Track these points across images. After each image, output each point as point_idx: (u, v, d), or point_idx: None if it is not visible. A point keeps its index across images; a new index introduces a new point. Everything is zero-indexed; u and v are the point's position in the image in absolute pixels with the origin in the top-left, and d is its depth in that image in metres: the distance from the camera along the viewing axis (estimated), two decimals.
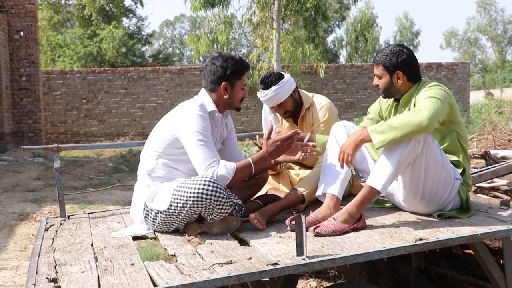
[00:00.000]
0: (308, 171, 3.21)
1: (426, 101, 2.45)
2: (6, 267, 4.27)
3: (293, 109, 3.22)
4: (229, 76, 2.65)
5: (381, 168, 2.40)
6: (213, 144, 2.56)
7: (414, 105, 2.63)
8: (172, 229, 2.53)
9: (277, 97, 3.11)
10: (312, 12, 13.99)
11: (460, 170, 2.61)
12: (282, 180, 3.30)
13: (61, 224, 2.98)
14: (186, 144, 2.53)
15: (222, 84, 2.65)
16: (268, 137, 2.65)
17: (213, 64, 2.67)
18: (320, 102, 3.23)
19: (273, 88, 3.09)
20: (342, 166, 2.51)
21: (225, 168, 2.49)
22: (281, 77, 3.13)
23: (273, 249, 2.17)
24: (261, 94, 3.14)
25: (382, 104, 2.90)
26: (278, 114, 3.33)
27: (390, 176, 2.38)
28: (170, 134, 2.57)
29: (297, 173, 3.31)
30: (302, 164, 3.29)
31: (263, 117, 3.40)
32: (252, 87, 15.27)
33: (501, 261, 2.64)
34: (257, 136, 3.15)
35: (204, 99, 2.67)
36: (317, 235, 2.35)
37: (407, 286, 3.06)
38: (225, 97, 2.67)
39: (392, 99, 2.82)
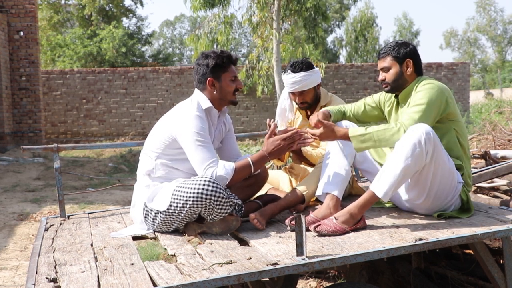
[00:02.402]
0: (308, 170, 3.21)
1: (412, 111, 2.50)
2: (6, 267, 4.27)
3: (311, 102, 3.26)
4: (213, 71, 2.64)
5: (385, 176, 2.38)
6: (211, 144, 2.56)
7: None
8: (172, 229, 2.53)
9: (302, 83, 3.14)
10: (312, 12, 13.97)
11: (461, 173, 2.60)
12: (282, 180, 3.30)
13: (61, 224, 2.98)
14: (184, 145, 2.53)
15: (208, 81, 2.65)
16: (270, 136, 2.64)
17: (197, 64, 2.69)
18: (337, 104, 3.26)
19: (303, 73, 3.13)
20: (311, 132, 2.60)
21: (224, 169, 2.49)
22: (311, 66, 3.19)
23: (273, 249, 2.17)
24: (288, 76, 3.16)
25: (386, 98, 2.89)
26: (294, 103, 3.34)
27: (394, 184, 2.36)
28: (168, 135, 2.57)
29: (297, 173, 3.31)
30: (306, 161, 3.29)
31: (279, 103, 3.43)
32: (252, 87, 15.28)
33: (501, 261, 2.64)
34: (268, 120, 3.15)
35: (199, 98, 2.67)
36: (318, 233, 2.35)
37: (407, 286, 3.06)
38: (214, 93, 2.66)
39: (393, 96, 2.81)
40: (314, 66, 3.22)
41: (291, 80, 3.15)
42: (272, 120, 2.86)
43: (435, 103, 2.50)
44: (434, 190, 2.48)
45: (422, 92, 2.55)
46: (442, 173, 2.45)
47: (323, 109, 2.86)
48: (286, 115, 3.39)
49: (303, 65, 3.16)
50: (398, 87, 2.71)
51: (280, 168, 3.47)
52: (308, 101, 3.24)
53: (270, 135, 2.65)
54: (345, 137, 2.54)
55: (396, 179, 2.35)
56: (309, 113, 3.36)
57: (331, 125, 2.55)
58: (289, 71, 3.17)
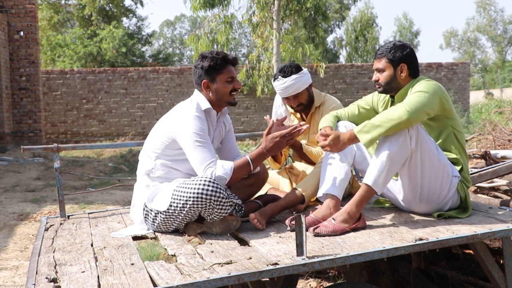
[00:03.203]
0: (308, 170, 3.21)
1: (411, 96, 2.50)
2: (6, 267, 4.27)
3: (307, 103, 3.27)
4: (207, 73, 2.64)
5: (373, 166, 2.43)
6: (210, 144, 2.56)
7: None
8: (172, 229, 2.53)
9: (295, 87, 3.14)
10: (312, 12, 13.98)
11: (458, 168, 2.61)
12: (282, 180, 3.30)
13: (61, 224, 2.98)
14: (183, 145, 2.53)
15: (203, 83, 2.65)
16: (268, 133, 2.64)
17: (194, 66, 2.69)
18: (331, 103, 3.28)
19: (294, 76, 3.13)
20: (320, 145, 2.56)
21: (223, 168, 2.49)
22: (300, 68, 3.19)
23: (273, 249, 2.17)
24: (279, 82, 3.16)
25: (379, 98, 2.89)
26: (289, 108, 3.34)
27: (382, 172, 2.39)
28: (168, 136, 2.58)
29: (297, 173, 3.31)
30: (306, 158, 3.29)
31: (274, 110, 3.43)
32: (252, 87, 15.28)
33: (501, 261, 2.64)
34: (266, 116, 3.16)
35: (198, 98, 2.67)
36: (317, 235, 2.36)
37: (407, 286, 3.06)
38: (210, 95, 2.66)
39: (388, 96, 2.82)
40: (302, 67, 3.23)
41: (283, 86, 3.15)
42: (269, 116, 2.85)
43: (434, 95, 2.51)
44: (426, 182, 2.49)
45: (423, 84, 2.57)
46: (430, 161, 2.46)
47: (323, 127, 2.76)
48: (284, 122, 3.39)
49: (293, 68, 3.15)
50: (391, 90, 2.73)
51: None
52: (303, 103, 3.24)
53: (269, 132, 2.64)
54: (352, 138, 2.49)
55: (384, 165, 2.38)
56: (303, 116, 3.36)
57: (335, 133, 2.53)
58: (279, 77, 3.17)
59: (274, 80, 3.22)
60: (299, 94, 3.19)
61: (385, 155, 2.39)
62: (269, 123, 2.71)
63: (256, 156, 2.59)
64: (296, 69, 3.16)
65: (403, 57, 2.66)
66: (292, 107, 3.29)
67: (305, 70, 3.21)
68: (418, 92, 2.50)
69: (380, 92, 2.78)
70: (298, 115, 3.38)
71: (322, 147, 2.55)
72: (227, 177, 2.49)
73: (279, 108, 3.37)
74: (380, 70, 2.71)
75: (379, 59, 2.71)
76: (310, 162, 3.28)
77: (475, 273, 2.93)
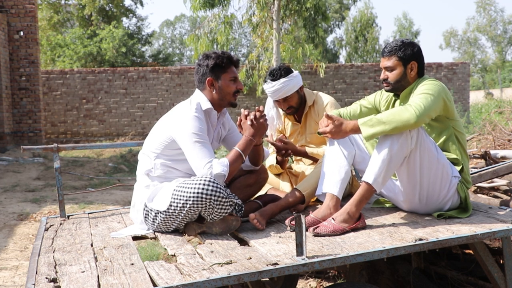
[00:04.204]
0: (308, 171, 3.21)
1: (418, 97, 2.48)
2: (6, 267, 4.27)
3: (297, 106, 3.25)
4: (212, 71, 2.65)
5: (373, 163, 2.42)
6: (209, 144, 2.57)
7: None
8: (172, 229, 2.53)
9: (284, 90, 3.13)
10: (312, 12, 13.97)
11: (458, 168, 2.61)
12: (282, 180, 3.30)
13: (61, 224, 2.98)
14: (182, 145, 2.53)
15: (207, 81, 2.66)
16: (240, 122, 2.69)
17: (198, 64, 2.71)
18: (324, 99, 3.27)
19: (282, 80, 3.11)
20: (320, 131, 2.57)
21: (220, 166, 2.49)
22: (290, 71, 3.17)
23: (273, 249, 2.17)
24: (269, 85, 3.16)
25: (382, 97, 2.89)
26: (280, 110, 3.34)
27: (382, 170, 2.39)
28: (167, 136, 2.58)
29: (297, 173, 3.31)
30: (314, 159, 3.29)
31: (266, 112, 3.41)
32: (252, 87, 15.28)
33: (501, 261, 2.64)
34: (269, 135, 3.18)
35: (198, 98, 2.67)
36: (317, 235, 2.36)
37: (407, 286, 3.06)
38: (213, 93, 2.67)
39: (391, 95, 2.81)
40: (293, 70, 3.20)
41: (272, 89, 3.14)
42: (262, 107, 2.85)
43: (438, 96, 2.51)
44: (425, 181, 2.49)
45: (427, 85, 2.55)
46: (429, 161, 2.46)
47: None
48: (275, 124, 3.38)
49: (282, 72, 3.13)
50: (399, 88, 2.71)
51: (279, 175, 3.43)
52: (294, 106, 3.23)
53: (241, 121, 2.69)
54: (355, 129, 2.47)
55: (384, 163, 2.38)
56: (296, 117, 3.35)
57: (339, 120, 2.52)
58: (268, 80, 3.17)
59: (264, 83, 3.22)
60: (289, 97, 3.18)
61: (386, 154, 2.38)
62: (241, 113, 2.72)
63: (244, 146, 2.61)
64: (286, 72, 3.14)
65: (414, 55, 2.64)
66: (283, 110, 3.29)
67: (295, 73, 3.17)
68: (425, 94, 2.48)
69: (388, 91, 2.76)
70: (292, 116, 3.37)
71: (323, 133, 2.55)
72: (225, 173, 2.49)
73: (271, 110, 3.36)
74: (390, 69, 2.68)
75: (388, 57, 2.68)
76: (316, 159, 3.28)
77: (475, 273, 2.93)
